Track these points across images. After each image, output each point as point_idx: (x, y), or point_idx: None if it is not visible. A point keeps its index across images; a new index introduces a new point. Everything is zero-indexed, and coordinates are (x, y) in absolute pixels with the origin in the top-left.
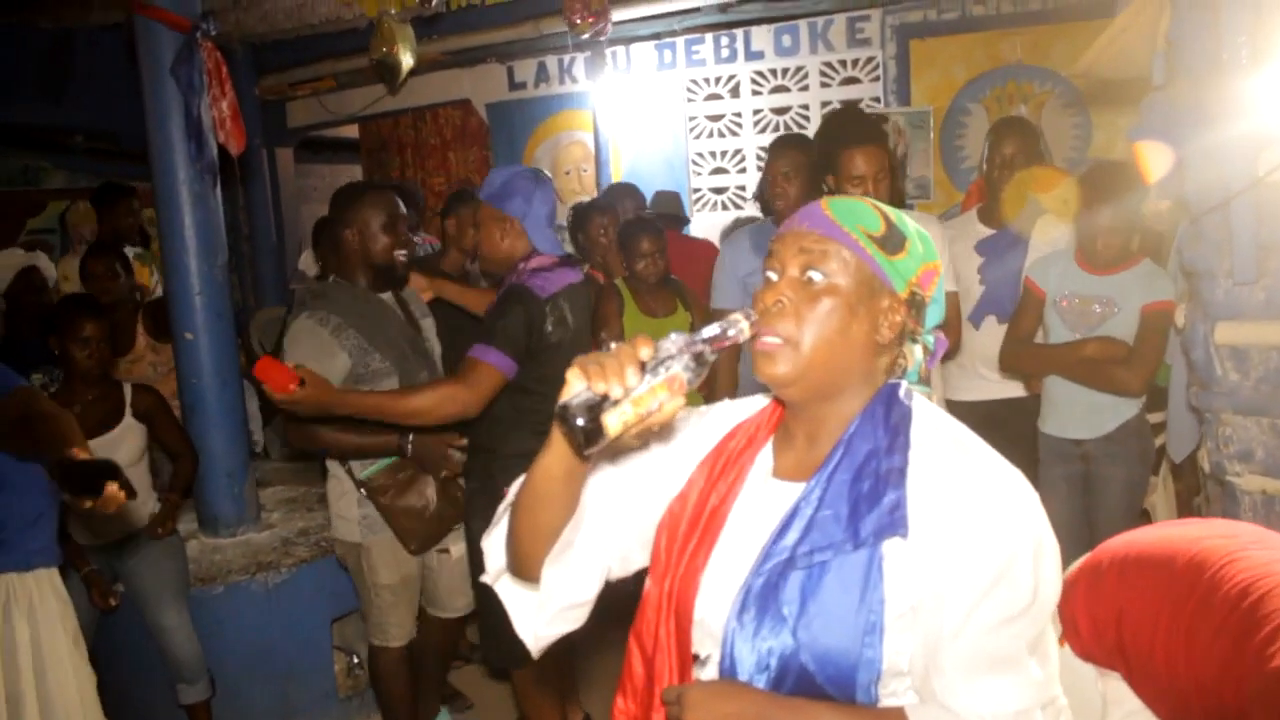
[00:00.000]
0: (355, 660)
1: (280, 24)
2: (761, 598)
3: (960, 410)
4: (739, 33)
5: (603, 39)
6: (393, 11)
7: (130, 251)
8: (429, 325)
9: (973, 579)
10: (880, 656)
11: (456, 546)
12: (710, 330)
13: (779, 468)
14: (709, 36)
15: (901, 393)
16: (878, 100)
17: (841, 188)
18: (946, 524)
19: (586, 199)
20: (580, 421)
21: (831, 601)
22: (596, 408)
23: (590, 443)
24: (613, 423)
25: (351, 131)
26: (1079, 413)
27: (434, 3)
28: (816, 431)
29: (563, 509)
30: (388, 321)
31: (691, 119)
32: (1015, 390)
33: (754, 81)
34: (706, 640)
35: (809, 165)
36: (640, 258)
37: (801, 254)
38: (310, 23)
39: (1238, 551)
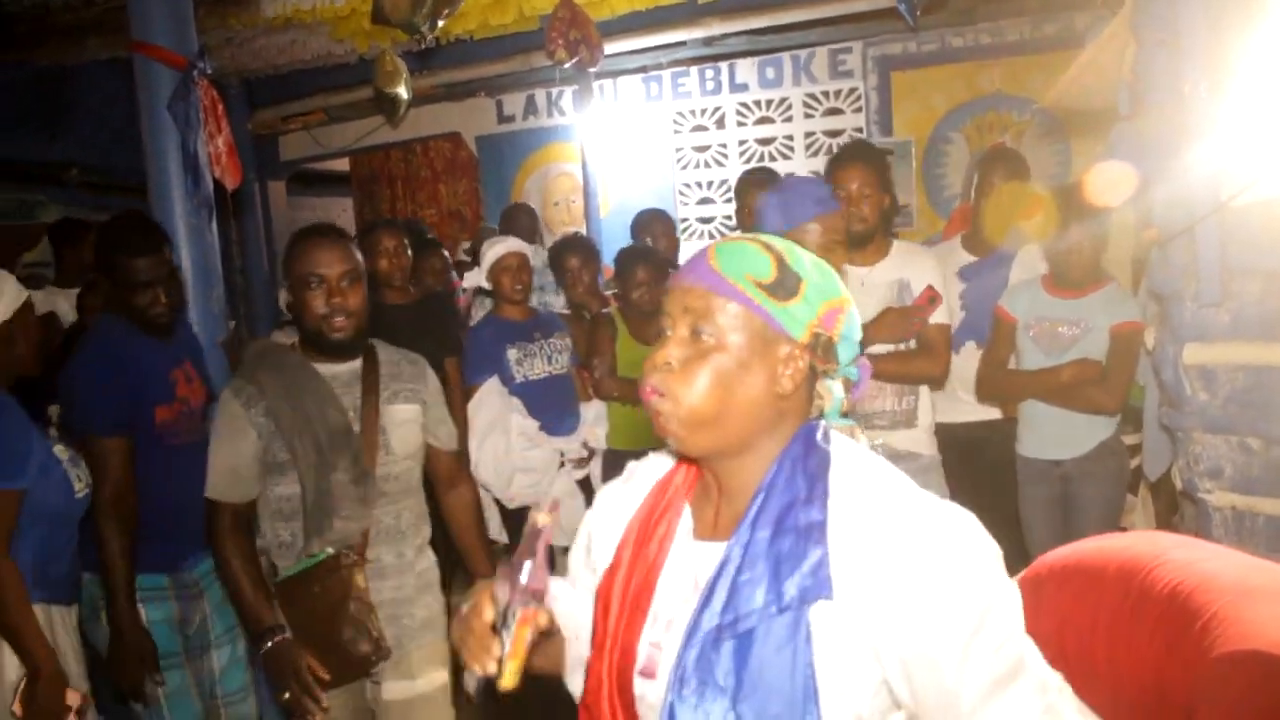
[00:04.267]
0: None
1: (273, 60)
2: (698, 669)
3: (941, 433)
4: (724, 65)
5: (590, 70)
6: (386, 46)
7: None
8: (400, 413)
9: (954, 631)
10: None
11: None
12: (525, 568)
13: (699, 528)
14: (695, 69)
15: (819, 435)
16: (860, 130)
17: None
18: (890, 579)
19: (574, 230)
20: (481, 694)
21: (766, 669)
22: (488, 680)
23: (504, 693)
24: (509, 680)
25: (343, 165)
26: (1055, 433)
27: (426, 38)
28: (731, 485)
29: (557, 660)
30: (315, 403)
31: (678, 150)
32: (993, 413)
33: (739, 113)
34: (650, 715)
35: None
36: (636, 286)
37: (687, 312)
38: (302, 58)
39: (1161, 555)
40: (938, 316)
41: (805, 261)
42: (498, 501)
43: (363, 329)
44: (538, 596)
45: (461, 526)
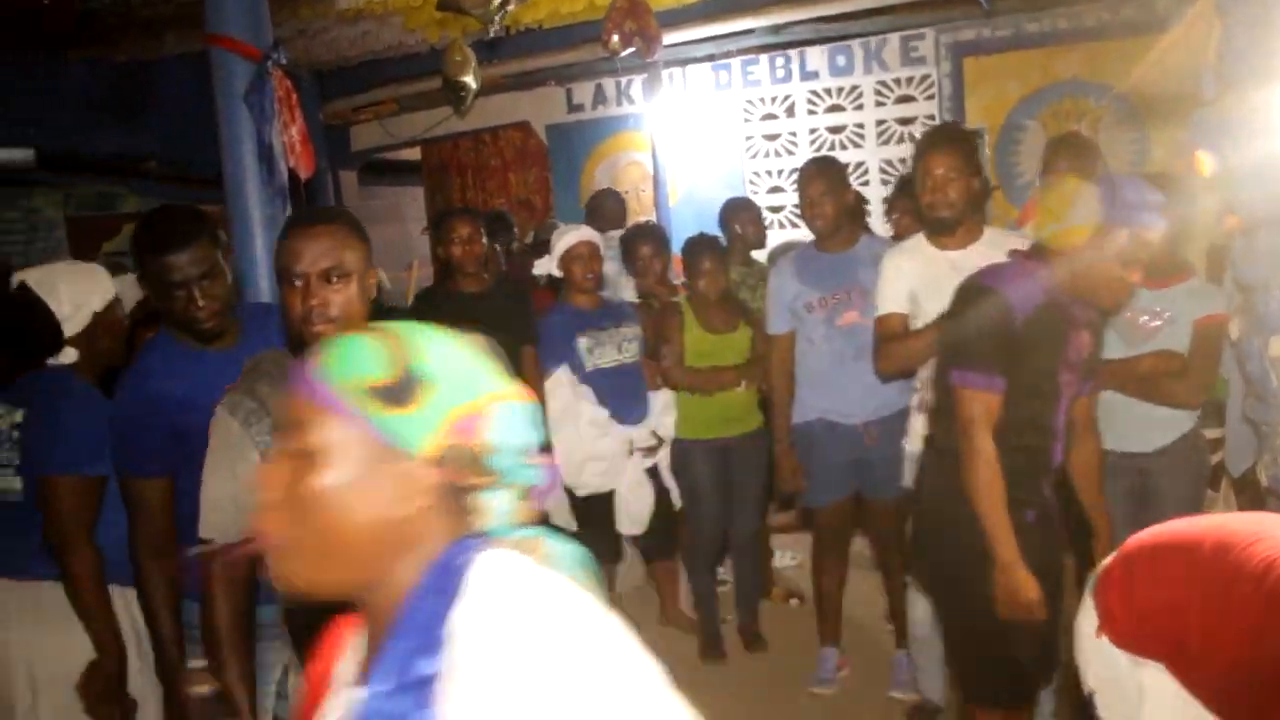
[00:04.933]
0: None
1: (345, 51)
2: None
3: None
4: (794, 53)
5: (657, 59)
6: (457, 36)
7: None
8: None
9: None
10: None
11: None
12: None
13: (360, 669)
14: (764, 57)
15: (461, 560)
16: (932, 118)
17: (919, 189)
18: None
19: (645, 219)
20: None
21: None
22: None
23: None
24: None
25: (414, 154)
26: (1134, 427)
27: (495, 28)
28: (375, 626)
29: None
30: None
31: (748, 138)
32: None
33: (809, 101)
34: None
35: (841, 185)
36: (702, 275)
37: (289, 425)
38: (374, 49)
39: (1260, 533)
40: None
41: (437, 358)
42: (568, 489)
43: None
44: None
45: None
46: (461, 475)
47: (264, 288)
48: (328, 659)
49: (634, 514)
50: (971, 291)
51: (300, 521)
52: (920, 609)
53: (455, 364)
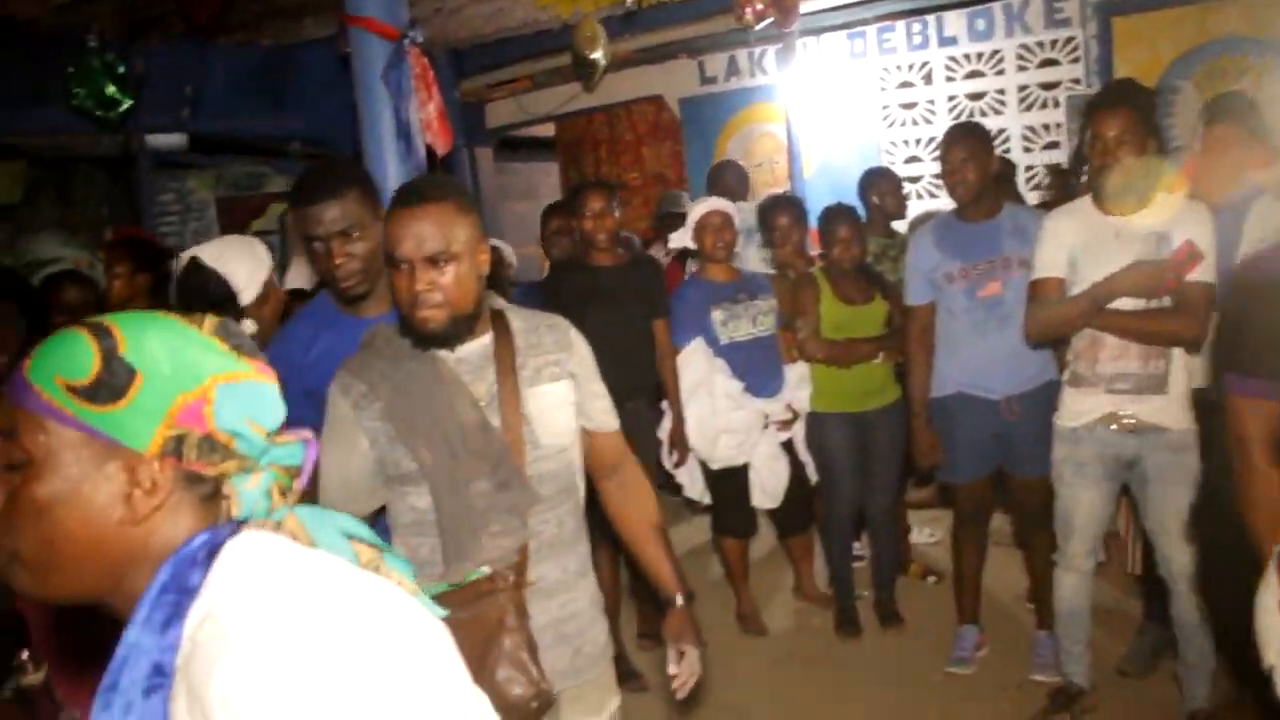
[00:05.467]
0: None
1: (479, 29)
2: None
3: None
4: (931, 19)
5: (788, 30)
6: (589, 12)
7: None
8: (546, 395)
9: None
10: None
11: None
12: None
13: None
14: (901, 24)
15: (202, 550)
16: (1077, 82)
17: (1088, 151)
18: None
19: (783, 191)
20: None
21: None
22: None
23: None
24: None
25: (548, 130)
26: None
27: (628, 2)
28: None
29: None
30: (441, 397)
31: (884, 107)
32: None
33: (947, 67)
34: None
35: (985, 152)
36: (837, 243)
37: (4, 430)
38: (508, 26)
39: None
40: (1200, 274)
41: (152, 345)
42: (702, 463)
43: (463, 315)
44: None
45: (633, 529)
46: (198, 464)
47: None
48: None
49: (769, 488)
50: (1254, 273)
51: (24, 532)
52: (1066, 587)
53: (170, 348)
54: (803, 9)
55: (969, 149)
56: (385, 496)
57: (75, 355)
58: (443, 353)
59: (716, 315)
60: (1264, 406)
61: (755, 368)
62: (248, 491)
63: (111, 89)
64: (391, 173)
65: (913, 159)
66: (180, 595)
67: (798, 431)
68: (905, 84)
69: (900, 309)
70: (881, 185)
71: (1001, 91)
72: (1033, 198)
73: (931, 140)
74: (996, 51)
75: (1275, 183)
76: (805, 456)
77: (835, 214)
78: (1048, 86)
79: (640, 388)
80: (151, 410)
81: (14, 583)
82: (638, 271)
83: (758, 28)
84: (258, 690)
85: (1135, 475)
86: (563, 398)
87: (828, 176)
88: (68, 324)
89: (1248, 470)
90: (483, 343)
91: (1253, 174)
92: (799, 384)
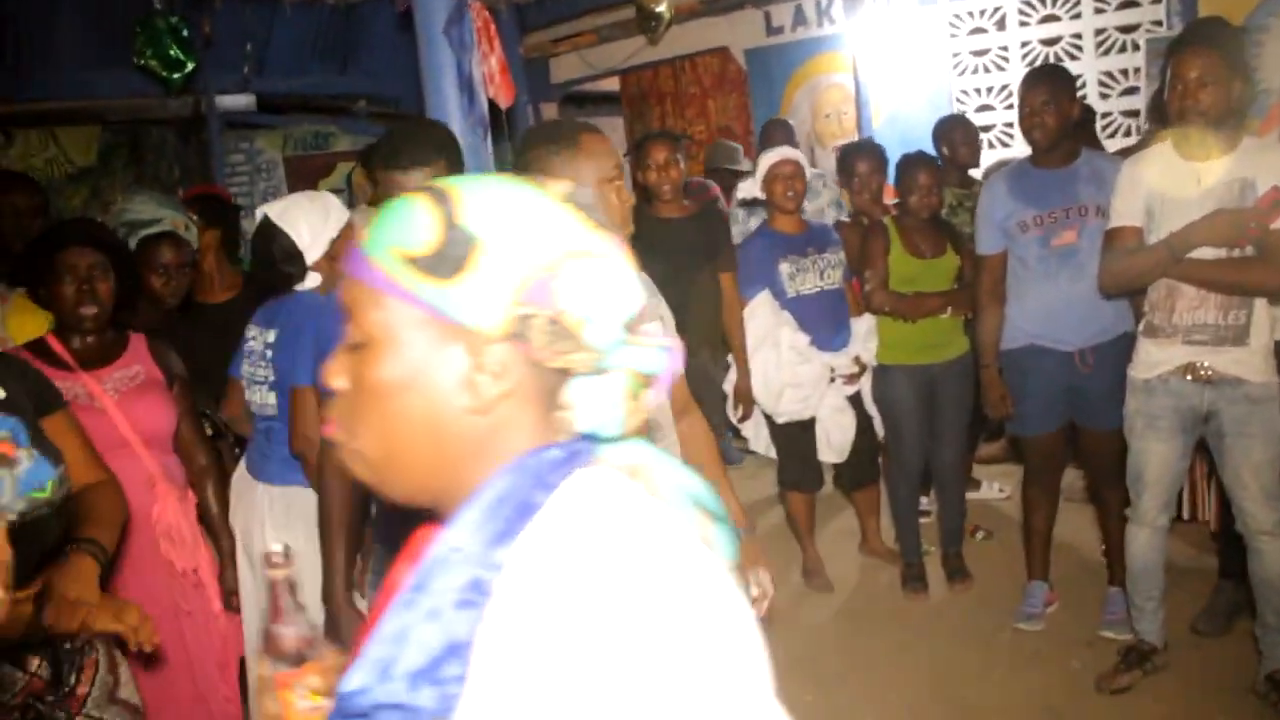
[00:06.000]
0: None
1: None
2: None
3: None
4: None
5: None
6: None
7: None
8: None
9: None
10: None
11: None
12: (274, 632)
13: None
14: None
15: (545, 468)
16: (1159, 24)
17: (1169, 93)
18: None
19: (848, 141)
20: None
21: None
22: None
23: None
24: None
25: (613, 84)
26: None
27: None
28: None
29: None
30: None
31: (955, 55)
32: None
33: (1021, 12)
34: None
35: (1066, 95)
36: (915, 191)
37: (345, 309)
38: None
39: None
40: None
41: (494, 209)
42: (767, 416)
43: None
44: (296, 657)
45: (701, 469)
46: (545, 351)
47: None
48: (403, 567)
49: (835, 443)
50: None
51: (366, 419)
52: (1138, 543)
53: (517, 216)
54: None
55: (1050, 92)
56: None
57: (414, 224)
58: None
59: (784, 268)
60: None
61: (822, 321)
62: (596, 399)
63: (175, 50)
64: (455, 127)
65: (985, 108)
66: (520, 511)
67: (865, 385)
68: (977, 30)
69: (972, 264)
70: (956, 134)
71: (1078, 35)
72: (1110, 145)
73: (1004, 88)
74: None
75: None
76: (872, 410)
77: (915, 161)
78: (1126, 29)
79: (705, 340)
80: (496, 285)
81: (356, 473)
82: (703, 223)
83: None
84: (574, 653)
85: (1211, 429)
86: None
87: (896, 127)
88: (165, 285)
89: None
90: None
91: None
92: (867, 337)
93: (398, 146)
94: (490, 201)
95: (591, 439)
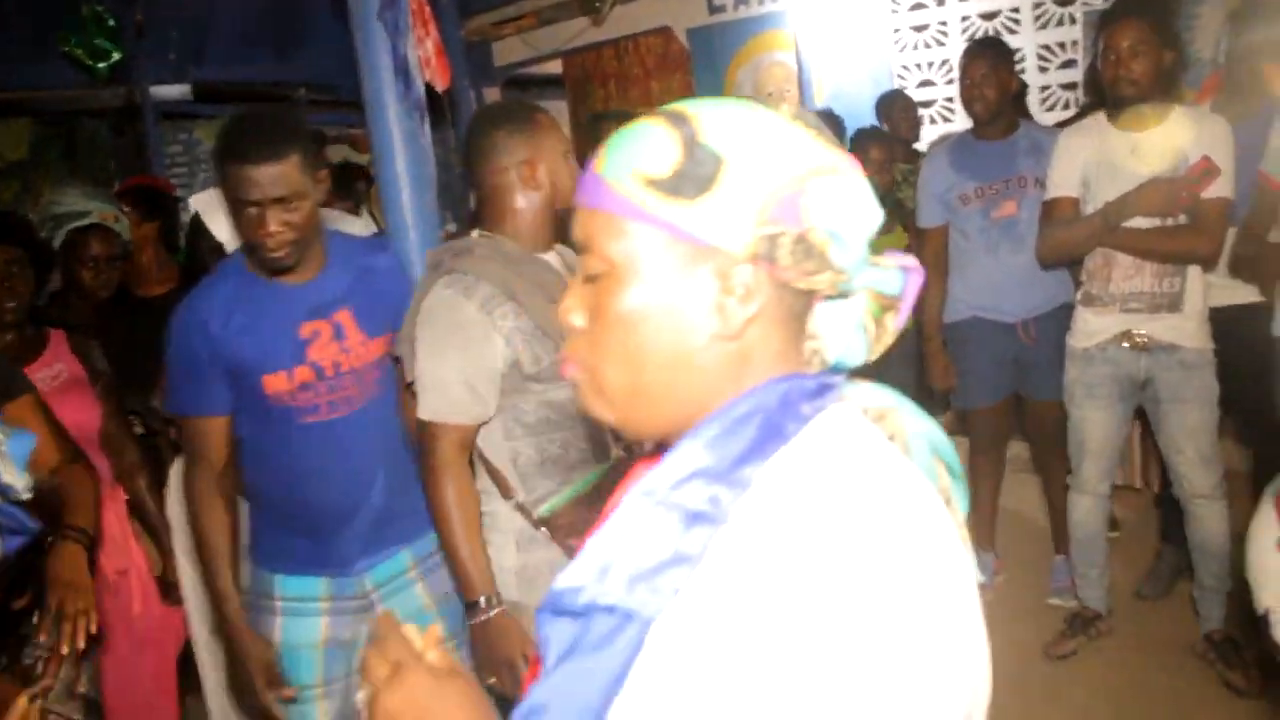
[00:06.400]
0: None
1: None
2: (542, 643)
3: None
4: None
5: None
6: None
7: None
8: None
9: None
10: None
11: None
12: None
13: None
14: None
15: (797, 396)
16: None
17: (1102, 63)
18: (735, 625)
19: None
20: None
21: (574, 664)
22: None
23: None
24: None
25: (556, 67)
26: None
27: None
28: None
29: None
30: (557, 292)
31: (896, 31)
32: (1249, 294)
33: None
34: None
35: (1006, 68)
36: (866, 166)
37: (579, 239)
38: None
39: None
40: (1217, 190)
41: (733, 127)
42: None
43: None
44: None
45: None
46: (792, 271)
47: (404, 201)
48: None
49: None
50: None
51: (609, 351)
52: (1080, 511)
53: (756, 134)
54: None
55: (990, 64)
56: (499, 405)
57: (653, 145)
58: (549, 257)
59: None
60: None
61: None
62: (841, 325)
63: (101, 40)
64: (392, 113)
65: (925, 83)
66: (769, 434)
67: None
68: (917, 5)
69: (915, 236)
70: (896, 108)
71: (1016, 10)
72: (1049, 119)
73: (944, 63)
74: None
75: None
76: None
77: (867, 136)
78: (1064, 3)
79: None
80: (741, 203)
81: (593, 409)
82: None
83: None
84: (794, 598)
85: (1148, 395)
86: None
87: (840, 104)
88: (94, 278)
89: None
90: (554, 256)
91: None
92: None
93: (247, 138)
94: (730, 120)
95: (838, 371)
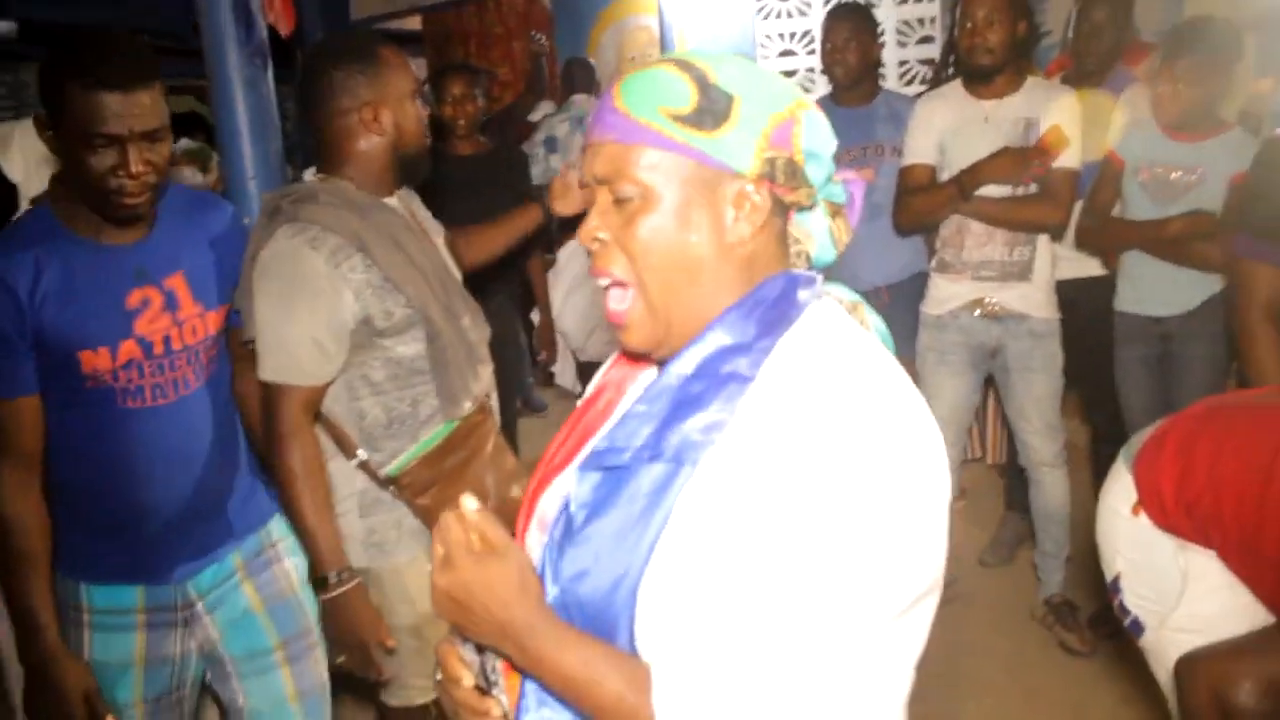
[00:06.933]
0: None
1: None
2: (564, 505)
3: None
4: None
5: None
6: None
7: (182, 146)
8: (441, 242)
9: (766, 523)
10: (633, 606)
11: None
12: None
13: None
14: None
15: (796, 286)
16: None
17: (958, 32)
18: (765, 459)
19: None
20: None
21: (613, 518)
22: None
23: None
24: None
25: (415, 23)
26: (1160, 289)
27: None
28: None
29: None
30: (405, 240)
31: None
32: (1093, 267)
33: None
34: (538, 549)
35: (868, 33)
36: None
37: (604, 170)
38: None
39: None
40: (1065, 160)
41: (734, 72)
42: (574, 353)
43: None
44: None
45: None
46: (784, 189)
47: (246, 151)
48: (606, 388)
49: None
50: (1271, 143)
51: (645, 261)
52: None
53: (752, 74)
54: None
55: (852, 29)
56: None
57: (673, 86)
58: (390, 201)
59: None
60: (1267, 270)
61: None
62: (818, 230)
63: None
64: (232, 59)
65: (787, 53)
66: (776, 315)
67: None
68: None
69: None
70: None
71: None
72: (907, 94)
73: (806, 33)
74: None
75: (1144, 73)
76: None
77: None
78: None
79: (505, 283)
80: (751, 131)
81: (634, 321)
82: (501, 160)
83: None
84: (802, 464)
85: (998, 364)
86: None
87: None
88: None
89: (1246, 328)
90: (400, 198)
91: (1123, 66)
92: None
93: (108, 57)
94: (731, 64)
95: (816, 268)
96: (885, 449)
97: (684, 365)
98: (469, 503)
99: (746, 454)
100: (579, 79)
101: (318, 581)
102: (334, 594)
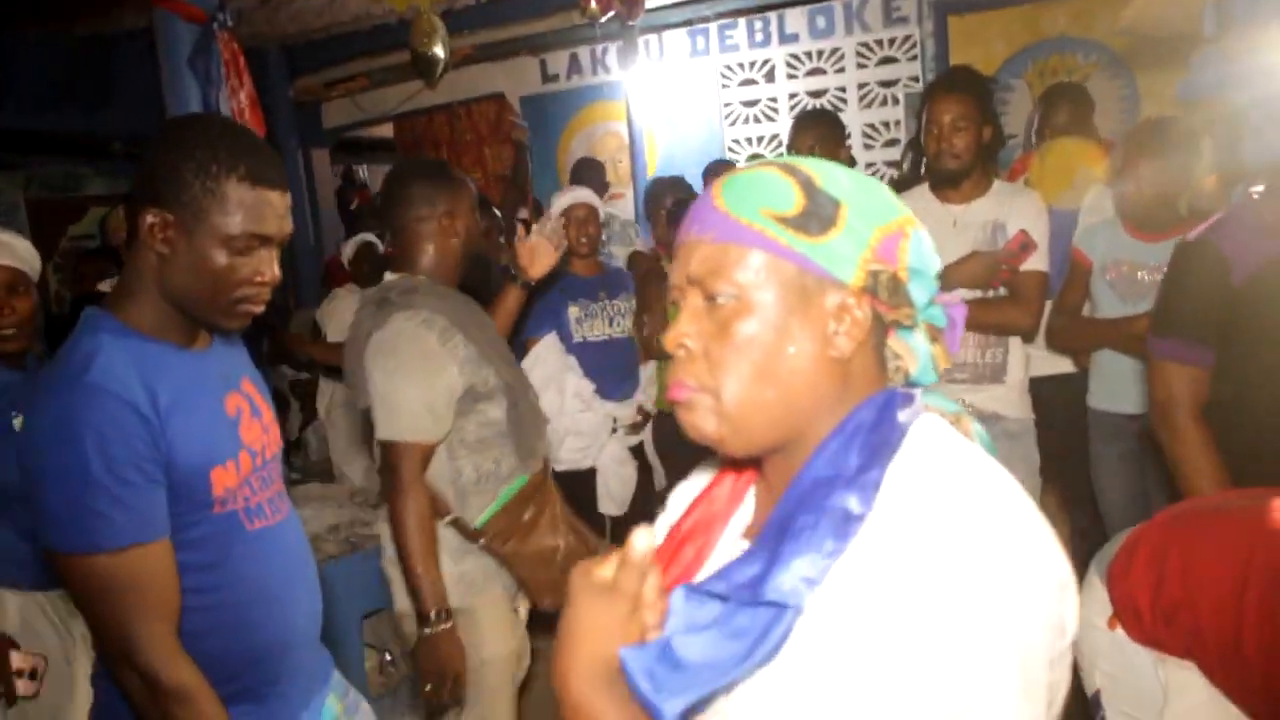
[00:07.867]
0: (388, 658)
1: (310, 23)
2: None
3: None
4: (773, 16)
5: (634, 25)
6: (427, 5)
7: None
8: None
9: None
10: None
11: None
12: None
13: (755, 524)
14: (742, 21)
15: (897, 406)
16: (916, 80)
17: (925, 137)
18: (883, 606)
19: (622, 190)
20: None
21: (711, 650)
22: None
23: None
24: None
25: (387, 131)
26: (1132, 386)
27: None
28: (779, 479)
29: None
30: (483, 323)
31: (726, 105)
32: (1064, 365)
33: (789, 65)
34: None
35: (834, 139)
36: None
37: (699, 269)
38: (340, 20)
39: None
40: (1034, 264)
41: (843, 180)
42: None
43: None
44: None
45: None
46: (886, 305)
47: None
48: (710, 511)
49: (615, 494)
50: (1180, 247)
51: (733, 368)
52: None
53: (859, 184)
54: (646, 4)
55: (818, 136)
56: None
57: (777, 188)
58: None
59: (572, 311)
60: (1179, 371)
61: (608, 370)
62: (915, 350)
63: None
64: None
65: (755, 156)
66: (882, 441)
67: (648, 434)
68: (747, 81)
69: None
70: (723, 175)
71: (842, 89)
72: None
73: (774, 137)
74: (837, 49)
75: (1105, 173)
76: (655, 461)
77: (662, 184)
78: (887, 84)
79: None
80: (856, 241)
81: (698, 431)
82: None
83: (602, 20)
84: (925, 596)
85: None
86: None
87: (671, 174)
88: None
89: (1176, 430)
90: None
91: (1086, 165)
92: (648, 384)
93: (260, 155)
94: (836, 172)
95: (915, 385)
96: (1017, 587)
97: (786, 504)
98: (640, 540)
99: (868, 598)
100: (587, 178)
101: (420, 618)
102: (432, 631)
